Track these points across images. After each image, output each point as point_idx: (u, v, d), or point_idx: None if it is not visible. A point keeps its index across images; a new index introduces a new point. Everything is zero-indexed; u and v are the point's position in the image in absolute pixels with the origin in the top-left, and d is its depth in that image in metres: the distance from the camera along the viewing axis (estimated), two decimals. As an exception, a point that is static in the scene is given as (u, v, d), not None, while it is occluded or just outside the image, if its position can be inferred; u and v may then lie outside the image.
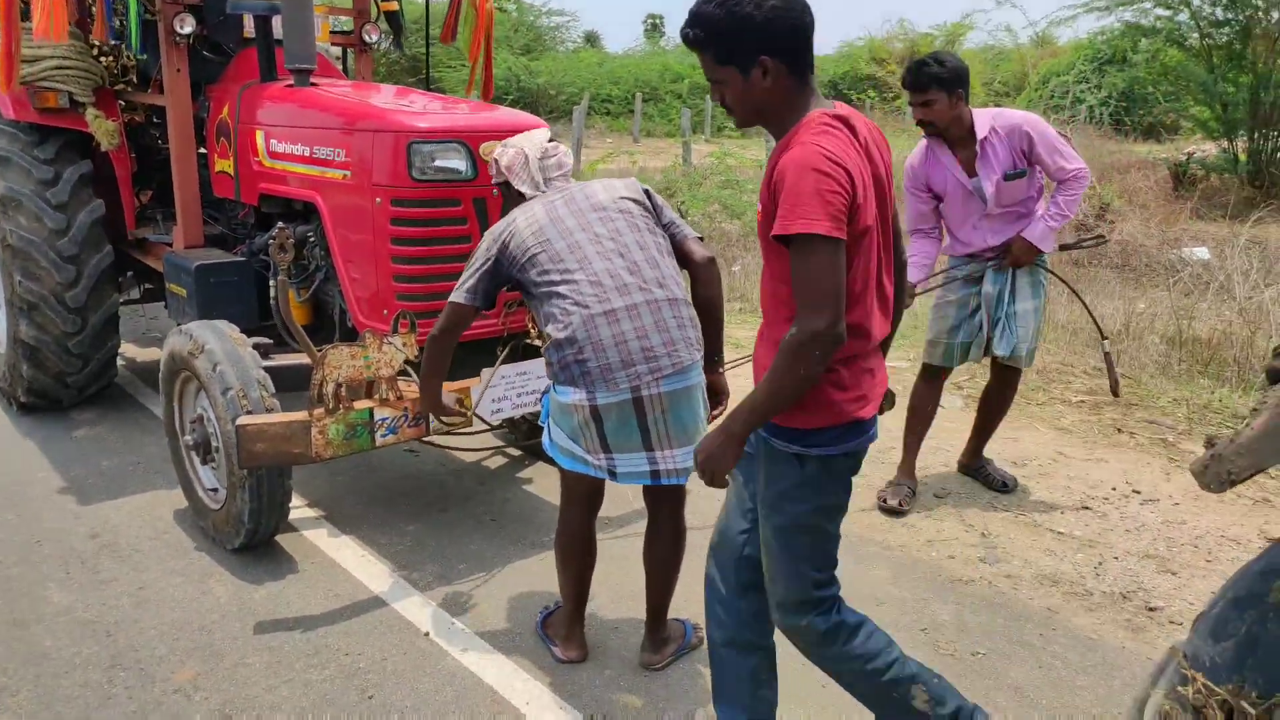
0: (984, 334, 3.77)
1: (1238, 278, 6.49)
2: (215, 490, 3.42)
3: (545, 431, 2.67)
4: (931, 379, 3.94)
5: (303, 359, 3.47)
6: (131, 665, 2.71)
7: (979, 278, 3.77)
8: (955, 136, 3.61)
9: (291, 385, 3.49)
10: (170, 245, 4.33)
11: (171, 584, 3.15)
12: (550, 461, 2.73)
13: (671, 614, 2.84)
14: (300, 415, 2.93)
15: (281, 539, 3.43)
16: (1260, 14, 12.31)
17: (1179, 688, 0.98)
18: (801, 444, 1.94)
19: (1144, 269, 8.50)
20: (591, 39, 38.08)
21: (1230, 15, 12.77)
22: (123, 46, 4.38)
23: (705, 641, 2.39)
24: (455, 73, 19.08)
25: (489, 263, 2.58)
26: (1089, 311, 4.11)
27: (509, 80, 23.82)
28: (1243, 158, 12.77)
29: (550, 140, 2.79)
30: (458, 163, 3.27)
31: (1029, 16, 35.29)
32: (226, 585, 3.15)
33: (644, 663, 2.78)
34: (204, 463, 3.38)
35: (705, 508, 3.43)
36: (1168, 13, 13.51)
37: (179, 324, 4.01)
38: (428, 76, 4.71)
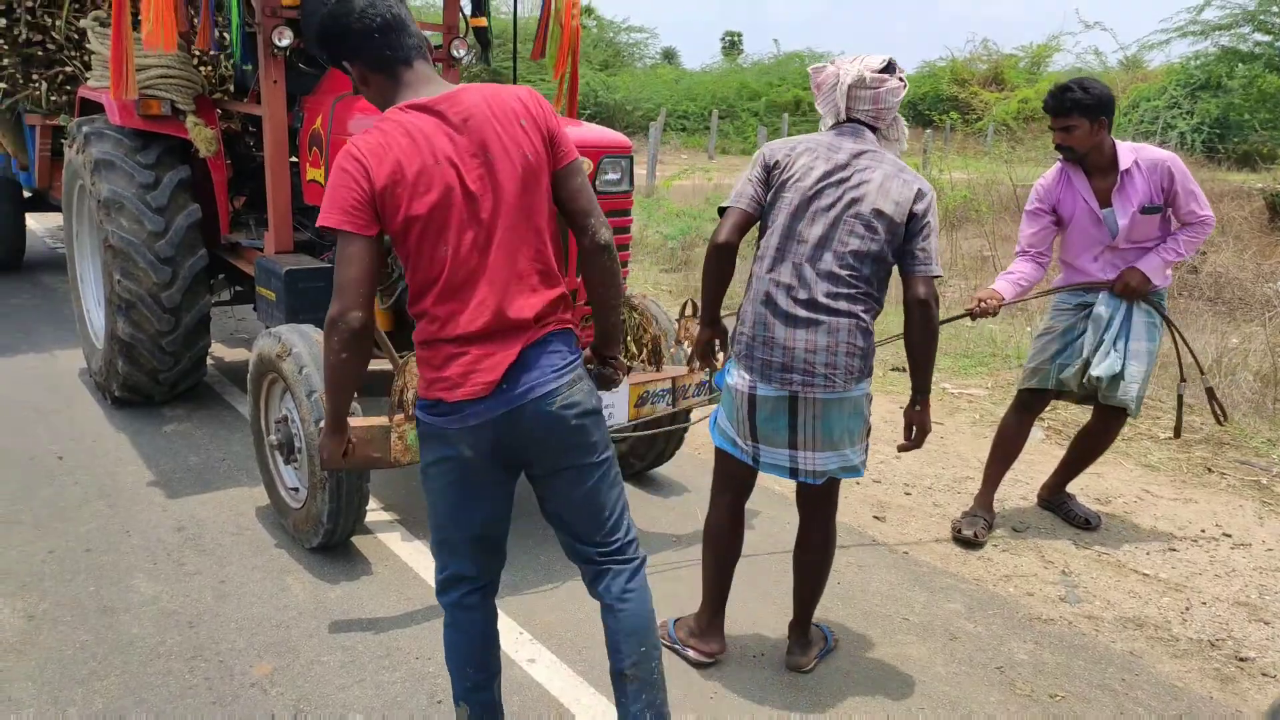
0: (1084, 357, 3.62)
1: (1340, 315, 6.19)
2: (296, 490, 3.51)
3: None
4: (1023, 410, 3.83)
5: (385, 365, 3.56)
6: (211, 657, 2.79)
7: (1087, 312, 3.65)
8: (1094, 164, 3.56)
9: (374, 391, 3.57)
10: (261, 250, 4.47)
11: (251, 579, 3.24)
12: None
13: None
14: (381, 420, 2.99)
15: (357, 540, 3.49)
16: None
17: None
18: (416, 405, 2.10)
19: (1237, 302, 8.19)
20: (669, 55, 38.32)
21: (1336, 41, 12.31)
22: (221, 56, 4.54)
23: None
24: (535, 87, 19.38)
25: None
26: (1186, 345, 3.94)
27: (587, 95, 24.10)
28: (1345, 189, 12.24)
29: (883, 70, 2.55)
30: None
31: (1118, 40, 34.49)
32: (304, 583, 3.23)
33: (792, 665, 2.84)
34: (287, 462, 3.47)
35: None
36: (1267, 38, 13.10)
37: (268, 327, 4.14)
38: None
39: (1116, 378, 3.57)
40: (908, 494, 4.19)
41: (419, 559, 3.41)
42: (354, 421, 3.01)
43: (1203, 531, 3.84)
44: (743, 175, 2.64)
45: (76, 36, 6.10)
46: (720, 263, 2.62)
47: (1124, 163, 3.51)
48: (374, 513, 3.68)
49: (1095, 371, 3.57)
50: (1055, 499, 3.98)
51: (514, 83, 4.94)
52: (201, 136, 4.50)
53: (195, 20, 4.39)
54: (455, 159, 1.89)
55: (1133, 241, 3.59)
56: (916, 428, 2.67)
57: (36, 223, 9.27)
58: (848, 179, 2.50)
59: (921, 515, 3.98)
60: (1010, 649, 3.00)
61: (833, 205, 2.49)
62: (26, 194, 7.53)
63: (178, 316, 4.50)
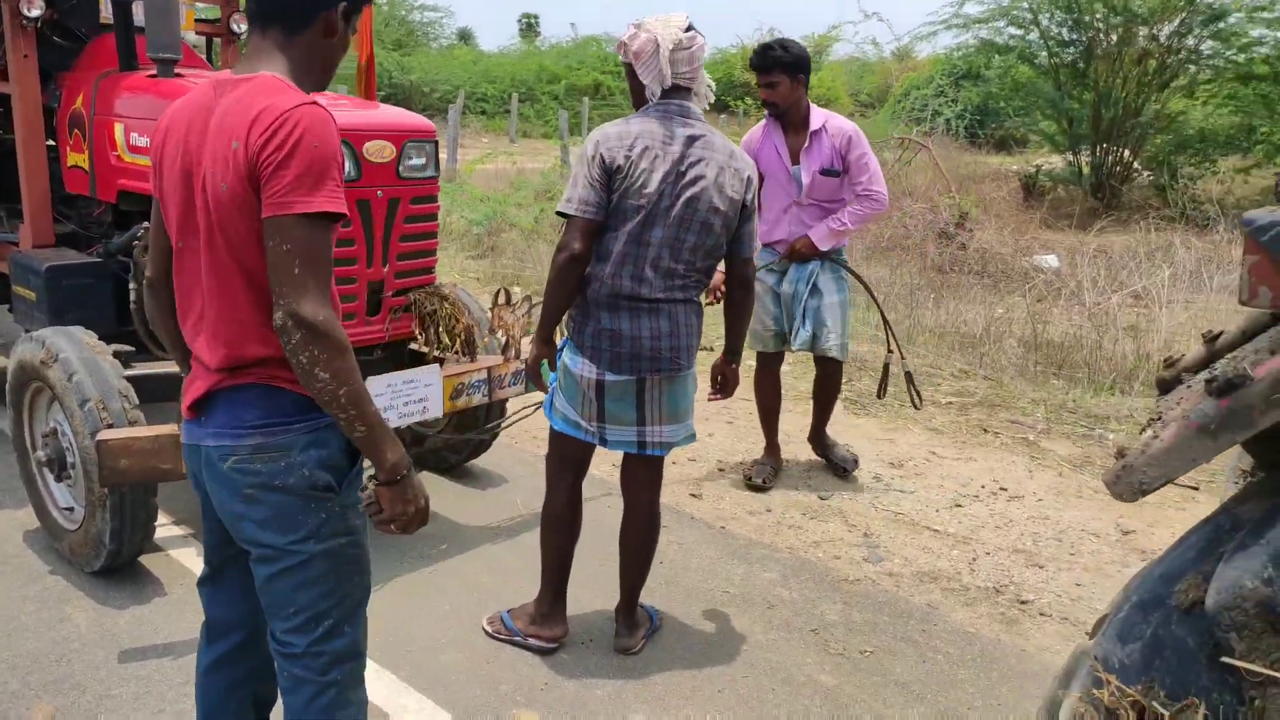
0: (780, 330, 4.04)
1: (1087, 284, 6.91)
2: (71, 510, 3.18)
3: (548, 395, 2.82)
4: (764, 369, 4.20)
5: (170, 368, 3.28)
6: (-22, 704, 2.49)
7: (783, 271, 4.00)
8: (791, 121, 3.86)
9: (157, 396, 3.29)
10: (15, 245, 4.00)
11: (24, 611, 2.91)
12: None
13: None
14: (170, 428, 2.75)
15: (146, 560, 3.21)
16: (1101, 35, 13.22)
17: (1093, 690, 1.02)
18: None
19: (1000, 275, 8.96)
20: (465, 36, 37.58)
21: (1075, 36, 13.67)
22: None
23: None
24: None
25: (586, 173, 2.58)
26: (888, 325, 4.31)
27: (381, 76, 23.21)
28: (1086, 170, 13.68)
29: (688, 30, 2.57)
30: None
31: (894, 31, 37.08)
32: (86, 611, 2.93)
33: (620, 648, 2.86)
34: (59, 480, 3.13)
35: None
36: (1019, 32, 14.35)
37: (27, 330, 3.71)
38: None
39: (814, 337, 3.96)
40: (721, 471, 4.32)
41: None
42: (140, 430, 2.76)
43: (983, 487, 4.19)
44: (578, 175, 2.57)
45: None
46: (576, 274, 2.59)
47: (815, 124, 3.82)
48: (164, 528, 3.39)
49: (795, 346, 4.00)
50: (818, 444, 4.32)
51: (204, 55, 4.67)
52: (-65, 117, 3.97)
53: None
54: (192, 149, 1.65)
55: (814, 200, 3.90)
56: (728, 380, 2.89)
57: None
58: (685, 175, 2.54)
59: (735, 490, 4.11)
60: (823, 611, 3.15)
61: (673, 207, 2.54)
62: None
63: (-85, 322, 3.96)
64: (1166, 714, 0.95)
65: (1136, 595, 1.08)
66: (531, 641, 2.85)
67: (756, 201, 2.71)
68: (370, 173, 3.16)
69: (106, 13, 3.98)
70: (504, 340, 3.51)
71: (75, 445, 2.95)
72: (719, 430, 4.81)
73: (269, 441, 1.66)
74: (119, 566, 3.08)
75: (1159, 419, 1.16)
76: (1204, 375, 1.05)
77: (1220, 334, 1.31)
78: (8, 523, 3.46)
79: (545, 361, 2.83)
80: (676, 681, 2.75)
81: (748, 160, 2.68)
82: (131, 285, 3.33)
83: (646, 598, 3.06)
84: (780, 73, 3.74)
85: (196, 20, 4.32)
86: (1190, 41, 12.98)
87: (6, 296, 4.72)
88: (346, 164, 3.10)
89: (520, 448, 4.48)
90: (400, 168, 3.24)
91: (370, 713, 2.51)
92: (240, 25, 4.35)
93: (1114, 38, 13.10)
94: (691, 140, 2.57)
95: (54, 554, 3.22)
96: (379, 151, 3.17)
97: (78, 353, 2.94)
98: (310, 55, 1.70)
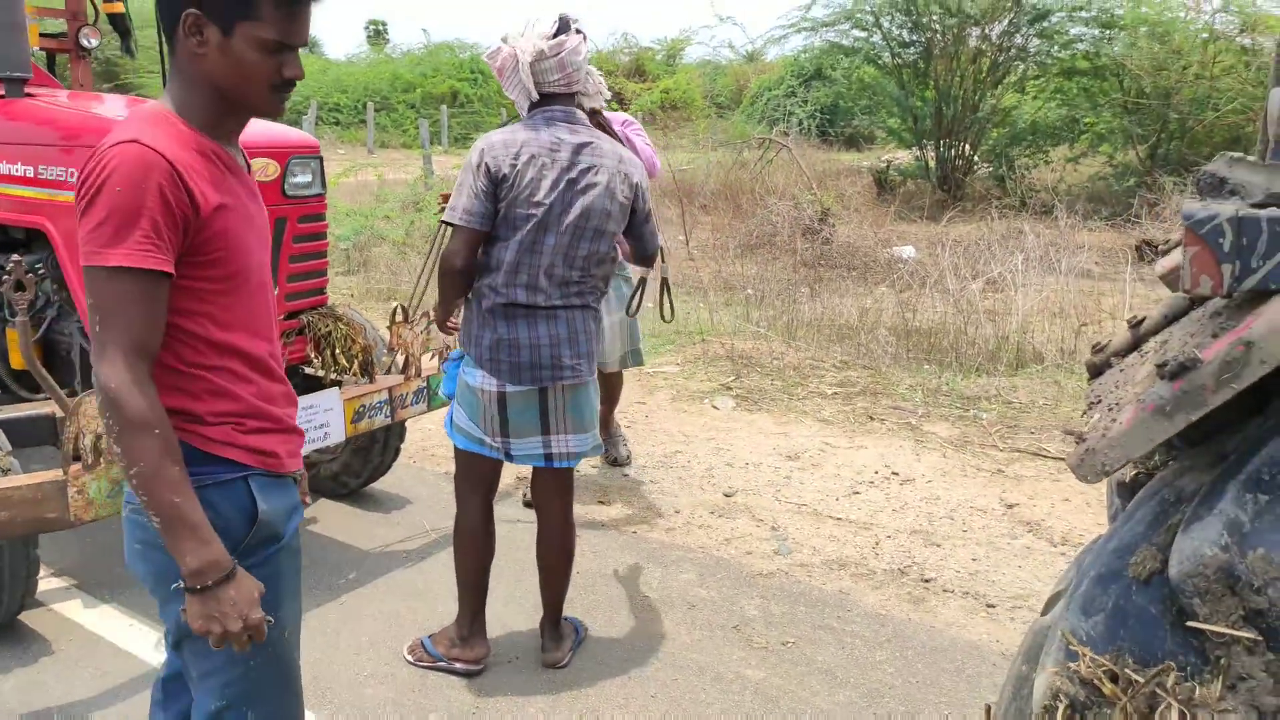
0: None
1: (949, 273, 7.29)
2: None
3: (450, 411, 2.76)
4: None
5: (40, 409, 3.05)
6: None
7: None
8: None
9: (26, 441, 3.05)
10: None
11: (-113, 689, 2.64)
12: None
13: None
14: (52, 474, 2.55)
15: (27, 617, 2.97)
16: (939, 36, 13.97)
17: (1068, 664, 1.09)
18: None
19: (865, 268, 9.34)
20: (311, 45, 36.25)
21: (914, 37, 14.40)
22: None
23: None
24: (157, 79, 17.52)
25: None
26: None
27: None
28: (932, 165, 14.41)
29: (556, 35, 2.49)
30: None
31: (747, 34, 38.16)
32: (-38, 681, 2.69)
33: (549, 662, 2.85)
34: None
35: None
36: (863, 34, 14.99)
37: None
38: (165, 84, 4.25)
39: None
40: (625, 475, 4.34)
41: (110, 625, 2.99)
42: (18, 480, 2.56)
43: (876, 473, 4.37)
44: (464, 183, 2.50)
45: None
46: (463, 283, 2.57)
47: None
48: (45, 580, 3.15)
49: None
50: (602, 436, 4.24)
51: (163, 77, 4.42)
52: None
53: None
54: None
55: None
56: None
57: None
58: (576, 183, 2.51)
59: (642, 494, 4.14)
60: (742, 607, 3.22)
61: (565, 214, 2.51)
62: None
63: None
64: (1141, 680, 1.02)
65: (1093, 570, 1.15)
66: (456, 665, 2.78)
67: (649, 203, 2.71)
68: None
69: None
70: (404, 359, 3.42)
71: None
72: (617, 435, 4.82)
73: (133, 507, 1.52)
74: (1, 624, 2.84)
75: (1098, 402, 1.25)
76: (1151, 359, 1.13)
77: (1144, 319, 1.42)
78: None
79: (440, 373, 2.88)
80: (608, 691, 2.75)
81: (637, 163, 2.67)
82: (8, 322, 3.09)
83: (567, 609, 3.05)
84: None
85: (41, 35, 4.02)
86: (1018, 40, 13.87)
87: None
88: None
89: (420, 467, 4.38)
90: (285, 186, 3.13)
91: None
92: (91, 40, 4.07)
93: (950, 38, 13.86)
94: (580, 148, 2.53)
95: (-84, 621, 2.94)
96: (262, 169, 3.05)
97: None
98: (184, 73, 1.47)
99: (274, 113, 1.54)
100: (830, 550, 3.63)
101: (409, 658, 2.84)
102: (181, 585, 1.40)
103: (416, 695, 2.70)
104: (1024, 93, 14.71)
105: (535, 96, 2.53)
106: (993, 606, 3.22)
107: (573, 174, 2.51)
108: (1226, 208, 1.02)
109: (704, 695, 2.74)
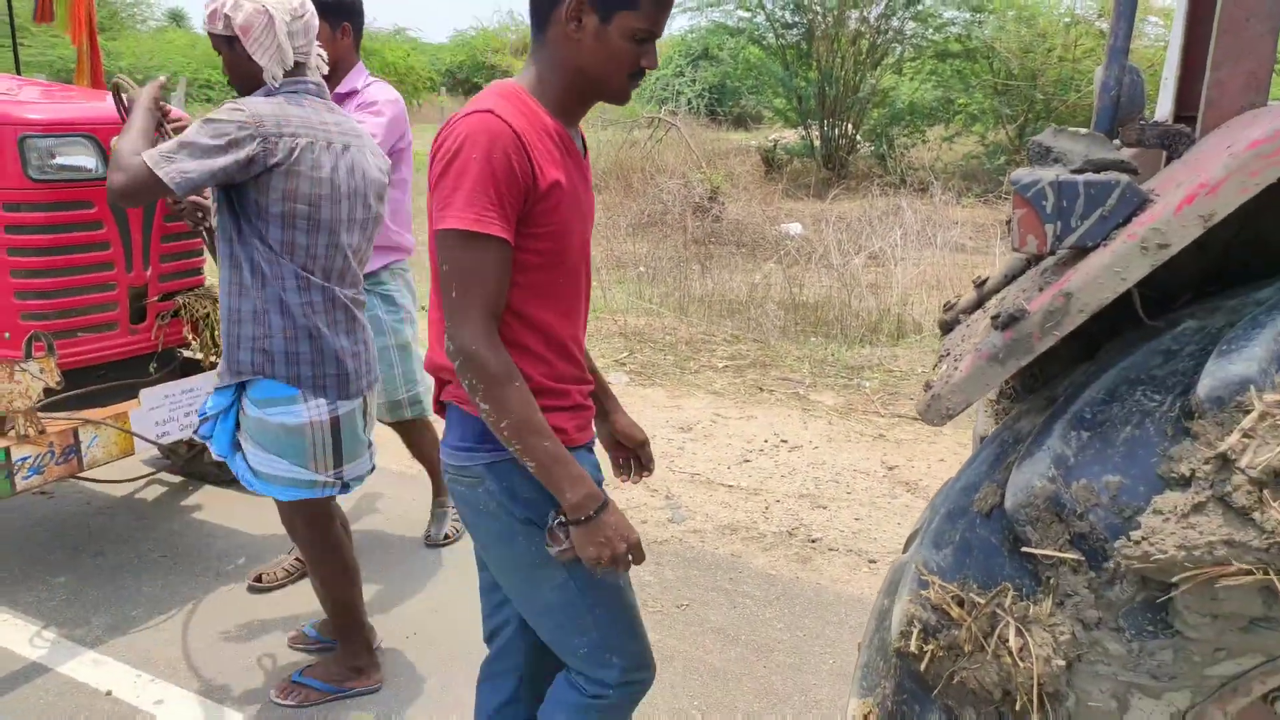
0: None
1: (833, 248, 7.54)
2: None
3: (240, 465, 2.35)
4: None
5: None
6: None
7: None
8: (333, 85, 3.01)
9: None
10: None
11: None
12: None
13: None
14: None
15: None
16: (820, 18, 14.31)
17: (920, 592, 1.19)
18: None
19: (754, 244, 9.57)
20: (177, 18, 34.58)
21: (796, 19, 14.71)
22: None
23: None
24: (47, 54, 16.63)
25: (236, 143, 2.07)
26: None
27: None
28: (817, 144, 14.79)
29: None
30: (85, 159, 2.89)
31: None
32: None
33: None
34: None
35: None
36: (747, 15, 15.22)
37: None
38: (16, 61, 4.04)
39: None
40: (520, 451, 4.37)
41: (-19, 624, 2.86)
42: None
43: (765, 442, 4.51)
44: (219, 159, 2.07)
45: None
46: None
47: (347, 84, 3.05)
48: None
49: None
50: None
51: (15, 51, 4.20)
52: None
53: None
54: None
55: None
56: None
57: None
58: (352, 172, 2.26)
59: (536, 469, 4.18)
60: (638, 573, 3.27)
61: (354, 204, 2.29)
62: None
63: None
64: (981, 601, 1.12)
65: (944, 508, 1.26)
66: (358, 689, 2.61)
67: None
68: (123, 169, 2.91)
69: None
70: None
71: None
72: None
73: (462, 465, 1.62)
74: None
75: (947, 354, 1.35)
76: (988, 313, 1.24)
77: (986, 279, 1.54)
78: None
79: None
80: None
81: (370, 140, 2.41)
82: None
83: (455, 582, 3.07)
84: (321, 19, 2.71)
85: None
86: (895, 23, 14.34)
87: None
88: (93, 160, 2.89)
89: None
90: (157, 163, 3.01)
91: None
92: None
93: (830, 20, 14.22)
94: (340, 128, 2.26)
95: None
96: (131, 147, 2.93)
97: None
98: (550, 56, 1.52)
99: (624, 99, 1.57)
100: (722, 516, 3.75)
101: (282, 701, 2.55)
102: (563, 519, 1.53)
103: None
104: (901, 74, 15.21)
105: (290, 63, 2.21)
106: (874, 562, 3.40)
107: (345, 160, 2.24)
108: (1049, 173, 1.13)
109: (601, 660, 2.81)
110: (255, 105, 2.13)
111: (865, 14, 14.05)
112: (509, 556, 1.65)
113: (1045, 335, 1.11)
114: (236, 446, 2.36)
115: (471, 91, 26.19)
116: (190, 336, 3.22)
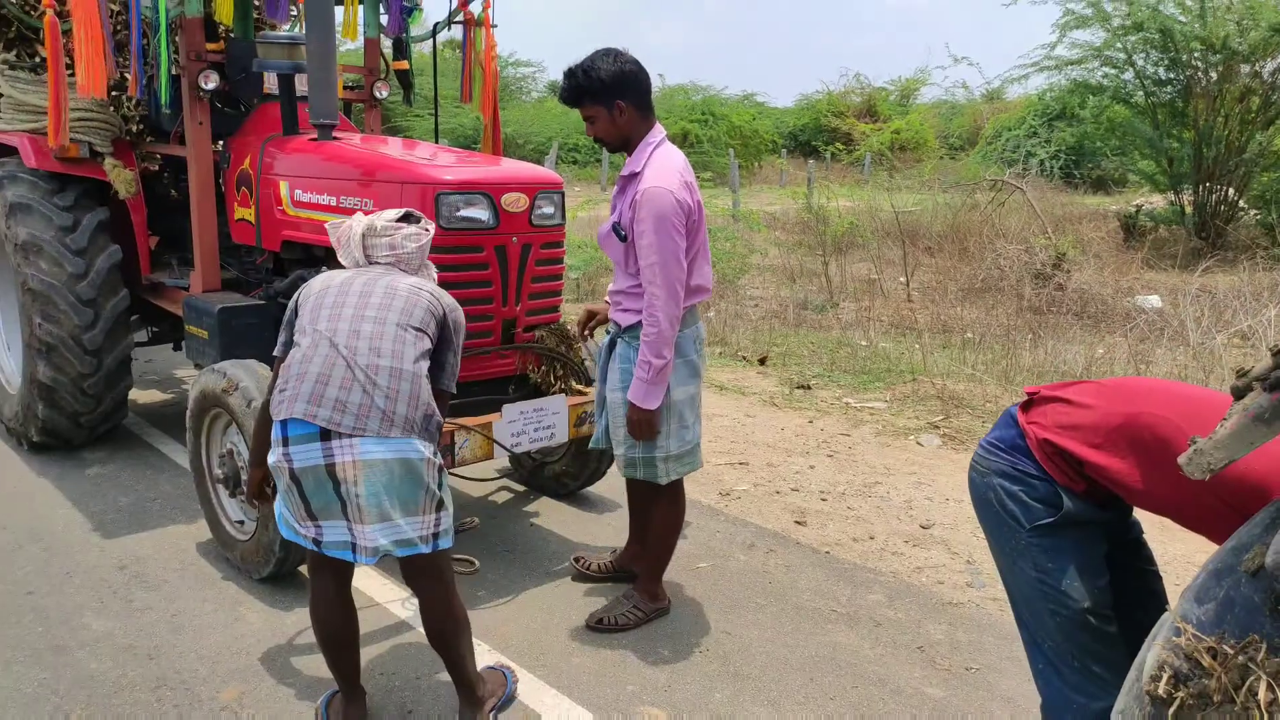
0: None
1: (1190, 324, 6.88)
2: (242, 523, 3.57)
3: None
4: None
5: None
6: (177, 685, 2.85)
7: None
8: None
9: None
10: (186, 289, 4.50)
11: (204, 611, 3.29)
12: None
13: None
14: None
15: (305, 569, 3.57)
16: (1200, 74, 13.06)
17: (1174, 639, 1.22)
18: None
19: (1100, 316, 8.93)
20: (556, 89, 38.75)
21: (1172, 75, 13.53)
22: (123, 98, 4.57)
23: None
24: (424, 122, 19.64)
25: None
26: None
27: (478, 130, 24.22)
28: (1189, 210, 13.43)
29: (416, 220, 2.73)
30: (481, 212, 3.50)
31: (984, 74, 37.19)
32: (258, 612, 3.29)
33: None
34: (232, 495, 3.53)
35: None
36: (1114, 71, 14.25)
37: (197, 365, 4.19)
38: (436, 131, 4.97)
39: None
40: (824, 500, 4.51)
41: (371, 583, 3.52)
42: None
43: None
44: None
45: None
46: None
47: (633, 165, 3.00)
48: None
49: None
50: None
51: (436, 123, 5.13)
52: (121, 178, 4.52)
53: (125, 68, 4.44)
54: None
55: (618, 262, 3.09)
56: None
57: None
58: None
59: (838, 519, 4.29)
60: (928, 630, 3.31)
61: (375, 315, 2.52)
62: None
63: (100, 358, 4.48)
64: (1231, 652, 1.14)
65: (1212, 565, 1.27)
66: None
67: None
68: (507, 221, 3.51)
69: (270, 84, 4.49)
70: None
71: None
72: (820, 463, 4.99)
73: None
74: (286, 573, 3.44)
75: (1230, 419, 1.35)
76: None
77: (1286, 348, 1.49)
78: (183, 535, 3.88)
79: None
80: (791, 687, 2.95)
81: None
82: None
83: (755, 617, 3.27)
84: (592, 103, 2.98)
85: (345, 88, 4.81)
86: (1294, 78, 12.73)
87: (171, 336, 5.27)
88: (487, 213, 3.50)
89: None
90: (532, 216, 3.59)
91: (517, 709, 2.79)
92: (382, 92, 4.83)
93: (1213, 75, 12.93)
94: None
95: (225, 562, 3.62)
96: (514, 202, 3.53)
97: (256, 382, 3.34)
98: None
99: None
100: (1025, 587, 3.63)
101: (320, 705, 2.73)
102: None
103: (616, 669, 3.02)
104: (1299, 134, 13.43)
105: (364, 264, 2.67)
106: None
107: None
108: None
109: (882, 706, 2.88)
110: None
111: (1257, 68, 12.63)
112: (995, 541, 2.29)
113: (1314, 399, 1.12)
114: None
115: (810, 155, 26.78)
116: (531, 369, 3.74)
